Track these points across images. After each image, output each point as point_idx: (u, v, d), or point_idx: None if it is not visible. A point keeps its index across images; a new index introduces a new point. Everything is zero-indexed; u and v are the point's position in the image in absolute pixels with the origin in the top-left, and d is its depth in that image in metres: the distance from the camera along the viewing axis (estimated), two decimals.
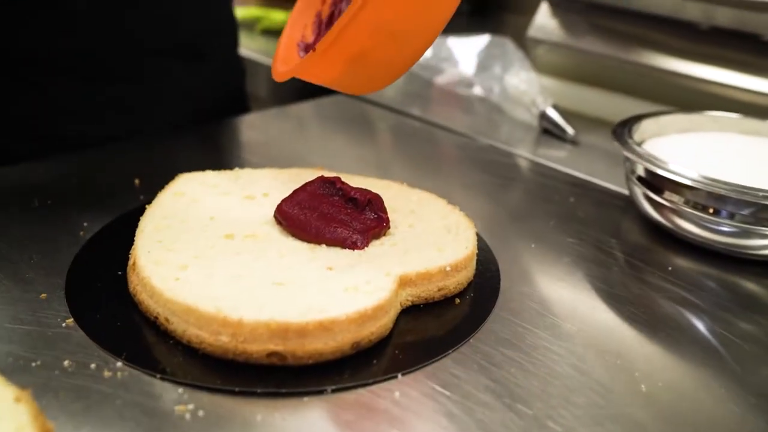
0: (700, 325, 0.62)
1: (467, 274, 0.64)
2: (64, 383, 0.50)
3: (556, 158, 0.95)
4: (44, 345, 0.54)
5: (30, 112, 0.87)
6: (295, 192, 0.67)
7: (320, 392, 0.51)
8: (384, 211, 0.66)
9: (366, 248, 0.63)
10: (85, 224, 0.71)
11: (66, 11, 0.81)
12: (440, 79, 1.18)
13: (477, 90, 1.13)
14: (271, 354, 0.52)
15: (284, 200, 0.66)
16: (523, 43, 1.20)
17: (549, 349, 0.57)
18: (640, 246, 0.75)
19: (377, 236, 0.65)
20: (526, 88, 1.05)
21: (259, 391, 0.51)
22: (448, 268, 0.61)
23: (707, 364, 0.57)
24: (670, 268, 0.70)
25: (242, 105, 1.13)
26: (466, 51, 1.15)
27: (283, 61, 0.65)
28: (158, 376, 0.51)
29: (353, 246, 0.63)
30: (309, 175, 0.77)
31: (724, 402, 0.53)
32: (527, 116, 1.05)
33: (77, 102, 0.88)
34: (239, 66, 1.11)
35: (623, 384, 0.54)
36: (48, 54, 0.84)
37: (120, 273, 0.62)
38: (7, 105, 0.86)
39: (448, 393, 0.52)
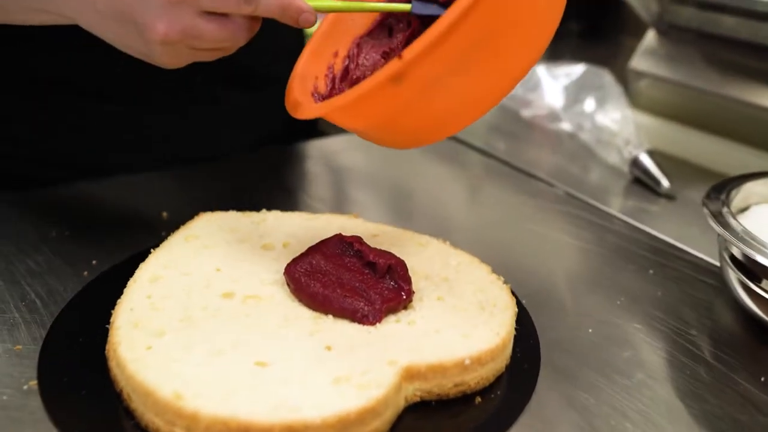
0: None
1: (494, 367, 0.53)
2: None
3: (643, 215, 0.82)
4: None
5: (75, 140, 0.83)
6: (309, 251, 0.59)
7: None
8: (406, 280, 0.57)
9: (378, 324, 0.54)
10: (94, 262, 0.66)
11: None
12: (526, 112, 1.06)
13: (565, 125, 1.01)
14: None
15: (295, 259, 0.58)
16: (626, 75, 1.07)
17: None
18: (732, 343, 0.61)
19: (394, 310, 0.56)
20: (618, 128, 0.92)
21: None
22: (467, 362, 0.51)
23: None
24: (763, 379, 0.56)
25: (309, 130, 1.06)
26: (556, 81, 1.03)
27: (297, 106, 0.57)
28: None
29: (363, 321, 0.54)
30: (341, 223, 0.69)
31: None
32: (618, 160, 0.92)
33: (123, 131, 0.84)
34: None
35: None
36: (95, 81, 0.80)
37: (105, 327, 0.56)
38: (53, 133, 0.83)
39: None
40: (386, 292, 0.56)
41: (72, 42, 0.71)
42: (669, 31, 0.99)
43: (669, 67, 0.98)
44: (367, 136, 0.57)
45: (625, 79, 1.08)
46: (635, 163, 0.88)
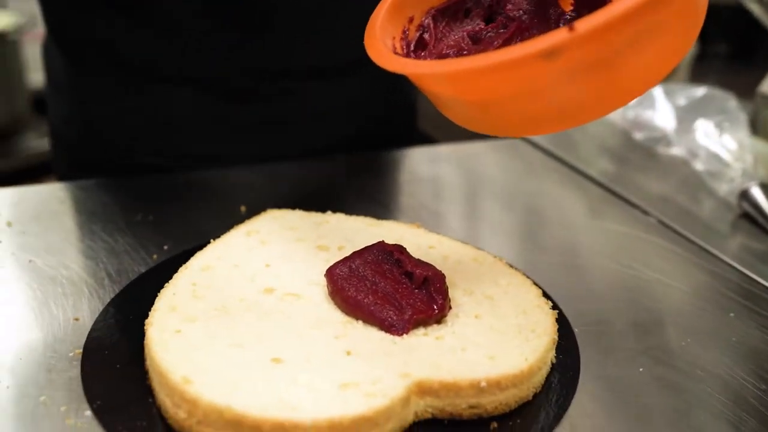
0: None
1: (517, 394, 0.51)
2: (29, 417, 0.48)
3: (744, 254, 0.75)
4: (38, 370, 0.52)
5: (167, 131, 0.89)
6: (351, 255, 0.59)
7: None
8: (442, 294, 0.55)
9: (405, 335, 0.53)
10: (165, 247, 0.70)
11: (203, 33, 0.82)
12: (639, 135, 1.00)
13: (677, 151, 0.94)
14: None
15: (338, 262, 0.58)
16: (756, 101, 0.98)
17: None
18: None
19: (425, 323, 0.54)
20: (734, 158, 0.85)
21: None
22: (483, 384, 0.49)
23: None
24: None
25: (410, 133, 1.06)
26: (672, 102, 0.96)
27: (391, 58, 0.55)
28: None
29: (390, 330, 0.53)
30: (402, 232, 0.68)
31: None
32: (729, 193, 0.84)
33: (211, 122, 0.88)
34: (401, 86, 1.02)
35: None
36: (188, 74, 0.85)
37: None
38: (149, 125, 0.89)
39: None
40: (419, 303, 0.55)
41: (161, 31, 0.75)
42: None
43: None
44: (463, 113, 0.53)
45: (756, 105, 0.99)
46: (744, 195, 0.81)
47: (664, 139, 0.96)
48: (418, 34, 0.58)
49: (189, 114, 0.87)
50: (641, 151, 0.99)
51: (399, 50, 0.58)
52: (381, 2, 0.58)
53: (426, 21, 0.59)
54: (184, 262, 0.62)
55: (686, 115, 0.94)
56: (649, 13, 0.44)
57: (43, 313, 0.59)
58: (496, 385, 0.49)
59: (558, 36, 0.43)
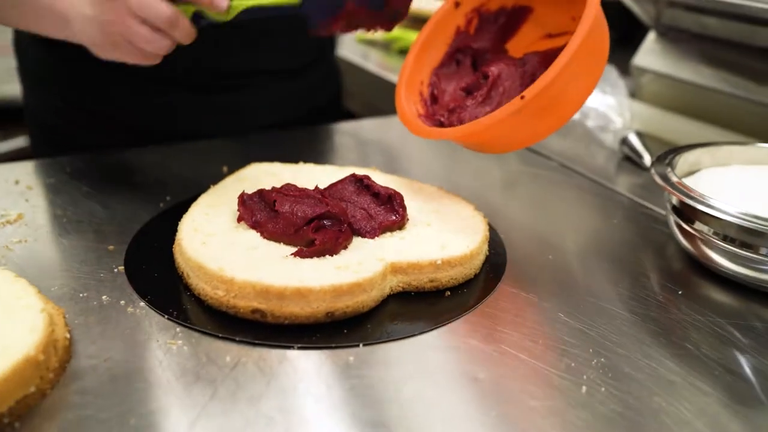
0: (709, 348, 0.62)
1: (463, 271, 0.69)
2: (96, 311, 0.63)
3: (625, 182, 0.96)
4: (95, 283, 0.67)
5: (156, 114, 1.04)
6: (333, 183, 0.76)
7: (287, 347, 0.59)
8: (403, 207, 0.73)
9: (376, 238, 0.71)
10: (168, 198, 0.85)
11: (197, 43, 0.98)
12: None
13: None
14: (255, 311, 0.61)
15: (326, 188, 0.75)
16: (631, 70, 1.21)
17: (516, 357, 0.60)
18: (671, 270, 0.75)
19: (390, 229, 0.72)
20: (615, 114, 1.06)
21: (237, 339, 0.60)
22: (439, 262, 0.67)
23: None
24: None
25: (338, 112, 1.24)
26: None
27: (416, 128, 0.78)
28: (166, 316, 0.62)
29: (365, 235, 0.71)
30: (363, 173, 0.86)
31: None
32: (613, 142, 1.06)
33: (193, 107, 1.04)
34: (335, 79, 1.23)
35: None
36: (177, 73, 1.01)
37: (174, 238, 0.74)
38: (139, 110, 1.04)
39: (396, 369, 0.58)
40: (385, 214, 0.72)
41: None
42: (667, 32, 1.13)
43: (666, 64, 1.11)
44: (474, 147, 0.79)
45: (632, 75, 1.21)
46: (624, 141, 1.02)
47: None
48: (429, 91, 0.82)
49: (160, 101, 1.02)
50: None
51: (421, 110, 0.81)
52: (399, 79, 0.82)
53: (432, 80, 0.83)
54: (189, 205, 0.78)
55: None
56: (570, 70, 0.67)
57: (83, 245, 0.74)
58: (448, 264, 0.67)
59: (515, 104, 0.68)
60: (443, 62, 0.84)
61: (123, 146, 1.00)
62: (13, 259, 0.70)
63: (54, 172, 0.90)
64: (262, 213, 0.71)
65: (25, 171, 0.91)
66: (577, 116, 1.15)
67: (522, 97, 0.67)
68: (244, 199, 0.72)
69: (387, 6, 0.78)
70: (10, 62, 1.13)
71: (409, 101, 0.81)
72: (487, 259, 0.74)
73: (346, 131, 1.15)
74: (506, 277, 0.71)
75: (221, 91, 1.06)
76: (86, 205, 0.82)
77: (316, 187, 0.75)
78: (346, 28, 0.79)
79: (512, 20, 0.84)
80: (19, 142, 2.13)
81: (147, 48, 0.72)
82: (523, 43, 0.84)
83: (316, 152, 1.05)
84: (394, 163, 1.03)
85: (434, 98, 0.82)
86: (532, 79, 0.77)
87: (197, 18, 0.73)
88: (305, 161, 0.89)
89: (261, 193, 0.72)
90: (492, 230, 0.79)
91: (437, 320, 0.64)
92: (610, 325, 0.64)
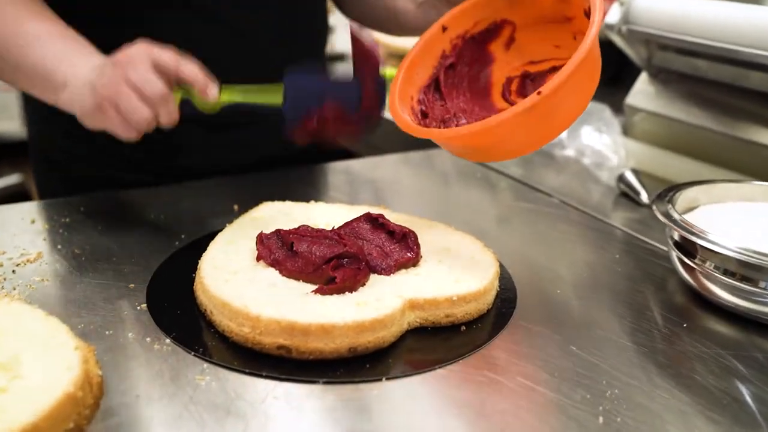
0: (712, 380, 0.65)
1: (477, 306, 0.71)
2: (123, 347, 0.64)
3: (622, 219, 0.99)
4: (119, 320, 0.69)
5: (154, 150, 1.05)
6: (347, 223, 0.78)
7: (312, 382, 0.61)
8: (417, 244, 0.76)
9: (392, 275, 0.73)
10: (183, 236, 0.87)
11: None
12: None
13: (568, 152, 1.19)
14: (280, 347, 0.63)
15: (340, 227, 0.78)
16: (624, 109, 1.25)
17: (533, 389, 0.63)
18: (673, 303, 0.78)
19: (405, 266, 0.75)
20: (610, 152, 1.10)
21: (263, 374, 0.62)
22: (454, 298, 0.69)
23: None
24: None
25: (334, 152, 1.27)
26: None
27: (417, 130, 0.79)
28: (192, 353, 0.64)
29: (381, 272, 0.73)
30: (375, 211, 0.88)
31: None
32: (609, 179, 1.09)
33: (195, 143, 1.06)
34: None
35: None
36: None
37: (193, 275, 0.76)
38: (138, 147, 1.05)
39: (419, 403, 0.60)
40: (400, 252, 0.75)
41: None
42: (658, 73, 1.17)
43: (658, 104, 1.16)
44: (464, 153, 0.81)
45: (625, 114, 1.26)
46: (621, 179, 1.06)
47: (559, 143, 1.21)
48: (419, 107, 0.84)
49: (160, 137, 1.05)
50: (542, 154, 1.24)
51: (414, 122, 0.82)
52: (391, 89, 0.83)
53: (421, 96, 0.85)
54: (204, 245, 0.80)
55: (574, 125, 1.20)
56: (577, 77, 0.69)
57: (103, 285, 0.75)
58: (463, 300, 0.70)
59: (531, 99, 0.68)
60: (429, 83, 0.86)
61: (128, 180, 1.02)
62: (37, 297, 0.72)
63: (69, 211, 0.92)
64: (281, 252, 0.73)
65: (40, 210, 0.93)
66: (572, 154, 1.19)
67: (539, 93, 0.68)
68: (262, 239, 0.75)
69: (362, 109, 0.81)
70: (6, 98, 1.15)
71: (403, 112, 0.82)
72: (498, 294, 0.76)
73: (339, 170, 1.18)
74: (518, 311, 0.74)
75: (229, 127, 1.08)
76: (103, 244, 0.84)
77: (333, 229, 0.77)
78: (319, 133, 0.82)
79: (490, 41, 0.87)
80: (13, 179, 2.14)
81: (131, 116, 0.75)
82: (505, 70, 0.87)
83: (316, 190, 1.08)
84: (392, 200, 1.06)
85: (424, 113, 0.84)
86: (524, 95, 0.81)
87: (183, 105, 0.78)
88: (308, 198, 0.92)
89: (279, 233, 0.75)
90: (500, 266, 0.82)
91: (455, 354, 0.66)
92: (620, 356, 0.67)
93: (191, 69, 0.76)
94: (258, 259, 0.74)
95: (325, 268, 0.70)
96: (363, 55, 0.79)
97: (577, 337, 0.70)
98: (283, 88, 0.79)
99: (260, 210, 0.87)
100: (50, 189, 1.13)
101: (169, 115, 0.77)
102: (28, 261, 0.79)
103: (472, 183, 1.14)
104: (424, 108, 0.84)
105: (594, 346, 0.68)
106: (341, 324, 0.63)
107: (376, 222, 0.78)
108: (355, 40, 0.79)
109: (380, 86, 0.80)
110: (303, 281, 0.71)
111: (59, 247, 0.83)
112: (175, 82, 0.76)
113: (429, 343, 0.68)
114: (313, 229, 0.75)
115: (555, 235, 0.95)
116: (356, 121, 0.81)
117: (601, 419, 0.58)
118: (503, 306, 0.75)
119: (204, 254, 0.76)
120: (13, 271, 0.77)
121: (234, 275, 0.71)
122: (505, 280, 0.79)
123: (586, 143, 1.15)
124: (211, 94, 0.76)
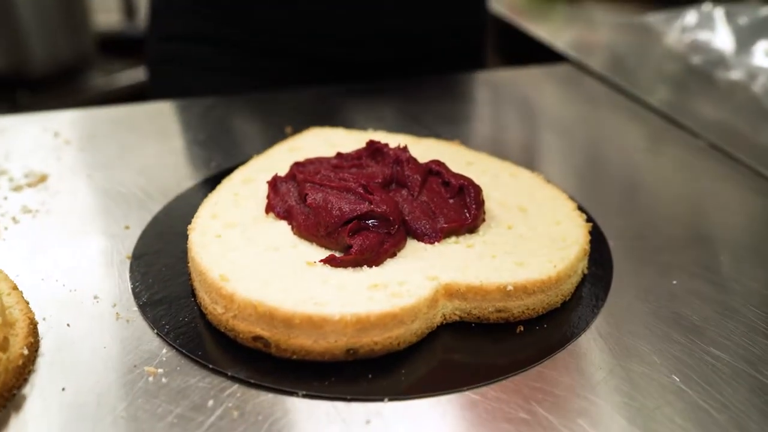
0: None
1: (545, 300, 0.51)
2: (82, 309, 0.51)
3: None
4: (91, 272, 0.56)
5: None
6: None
7: (290, 393, 0.45)
8: (477, 203, 0.56)
9: (437, 243, 0.54)
10: (212, 164, 0.72)
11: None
12: (696, 59, 0.97)
13: (735, 74, 0.90)
14: (257, 338, 0.47)
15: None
16: None
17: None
18: None
19: (456, 232, 0.55)
20: None
21: (228, 373, 0.46)
22: (510, 288, 0.50)
23: None
24: None
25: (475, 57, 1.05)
26: (732, 23, 0.92)
27: None
28: (155, 330, 0.50)
29: (422, 239, 0.55)
30: (442, 148, 0.69)
31: None
32: None
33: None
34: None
35: None
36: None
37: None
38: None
39: None
40: (452, 213, 0.55)
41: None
42: None
43: None
44: None
45: None
46: None
47: (722, 62, 0.93)
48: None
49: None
50: (699, 76, 0.96)
51: None
52: None
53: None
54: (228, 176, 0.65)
55: (746, 37, 0.90)
56: None
57: (97, 222, 0.63)
58: (523, 290, 0.50)
59: None
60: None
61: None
62: (14, 233, 0.60)
63: (97, 124, 0.80)
64: (296, 202, 0.56)
65: (68, 121, 0.81)
66: (740, 77, 0.91)
67: None
68: (276, 183, 0.58)
69: None
70: None
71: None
72: (584, 280, 0.55)
73: (481, 81, 0.97)
74: (608, 306, 0.53)
75: None
76: (120, 169, 0.71)
77: (362, 174, 0.58)
78: None
79: None
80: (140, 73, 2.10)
81: None
82: None
83: (398, 113, 0.88)
84: (510, 138, 0.84)
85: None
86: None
87: None
88: (379, 126, 0.73)
89: (294, 175, 0.58)
90: (597, 236, 0.60)
91: (497, 371, 0.47)
92: None
93: None
94: (267, 210, 0.57)
95: (342, 231, 0.52)
96: None
97: (713, 362, 0.48)
98: None
99: (303, 138, 0.70)
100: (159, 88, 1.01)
101: None
102: (27, 185, 0.68)
103: (603, 108, 0.90)
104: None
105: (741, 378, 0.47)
106: (336, 317, 0.46)
107: (429, 170, 0.58)
108: None
109: None
110: (317, 245, 0.54)
111: (70, 170, 0.71)
112: None
113: (467, 348, 0.49)
114: (337, 174, 0.57)
115: (693, 197, 0.70)
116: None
117: None
118: (588, 297, 0.54)
119: (208, 196, 0.60)
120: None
121: (229, 230, 0.55)
122: (599, 259, 0.58)
123: (760, 64, 0.86)
124: None
